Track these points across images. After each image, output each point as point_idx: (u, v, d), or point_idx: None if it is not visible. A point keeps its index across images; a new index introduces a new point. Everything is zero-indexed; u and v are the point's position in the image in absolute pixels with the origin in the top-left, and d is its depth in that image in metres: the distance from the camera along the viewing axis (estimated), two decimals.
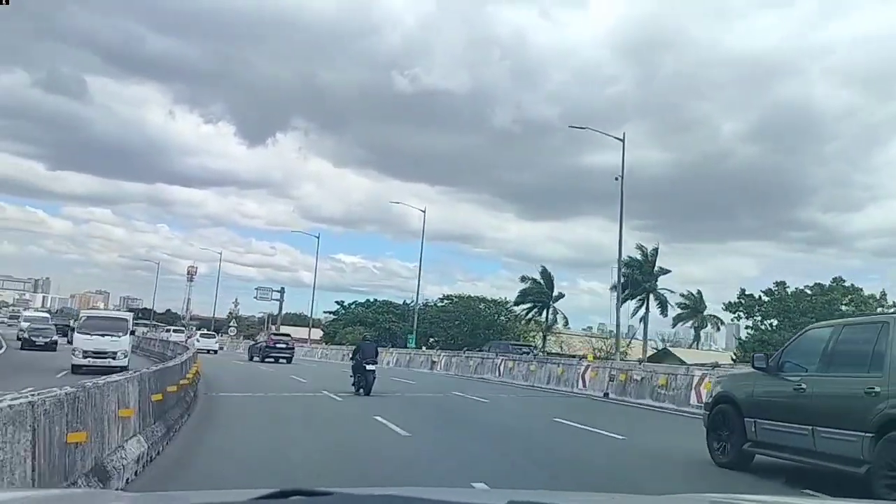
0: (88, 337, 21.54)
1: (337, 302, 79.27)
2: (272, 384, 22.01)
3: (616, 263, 34.67)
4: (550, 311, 64.25)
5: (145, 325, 79.37)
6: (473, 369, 30.25)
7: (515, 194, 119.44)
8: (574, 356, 47.74)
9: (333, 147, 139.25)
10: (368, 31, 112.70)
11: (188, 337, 51.75)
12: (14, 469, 4.07)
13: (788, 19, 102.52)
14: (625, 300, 60.79)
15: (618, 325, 35.38)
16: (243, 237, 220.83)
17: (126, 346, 21.96)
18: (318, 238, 73.32)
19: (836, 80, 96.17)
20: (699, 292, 63.74)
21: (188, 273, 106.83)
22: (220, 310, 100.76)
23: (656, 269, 59.29)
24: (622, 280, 59.18)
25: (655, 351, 58.12)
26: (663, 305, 60.11)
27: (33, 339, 34.16)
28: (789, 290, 45.31)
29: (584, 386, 21.89)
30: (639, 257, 57.77)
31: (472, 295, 69.89)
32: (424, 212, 52.23)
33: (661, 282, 59.33)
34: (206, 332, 61.97)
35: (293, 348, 40.30)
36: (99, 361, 20.48)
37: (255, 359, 39.29)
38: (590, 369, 22.11)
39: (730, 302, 47.62)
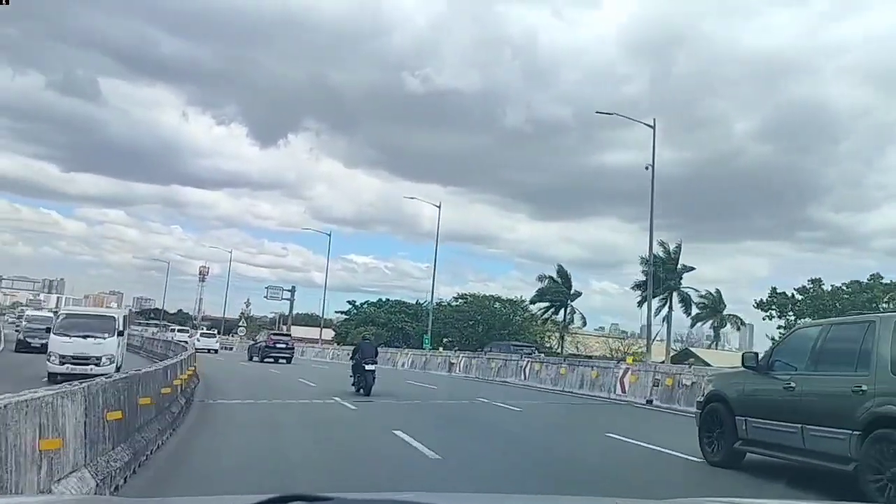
0: (67, 339, 18.06)
1: (349, 302, 77.61)
2: (277, 389, 20.05)
3: (641, 259, 32.60)
4: (568, 310, 62.24)
5: (156, 326, 79.22)
6: (496, 372, 28.07)
7: (527, 194, 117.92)
8: (590, 357, 45.98)
9: (345, 148, 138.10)
10: (379, 32, 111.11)
11: (189, 336, 50.49)
12: None
13: (802, 17, 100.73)
14: (646, 299, 58.96)
15: (649, 325, 33.09)
16: (256, 238, 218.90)
17: (112, 350, 18.38)
18: (330, 235, 71.22)
19: (850, 78, 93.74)
20: (718, 291, 61.62)
21: (200, 273, 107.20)
22: (233, 310, 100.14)
23: (679, 266, 57.10)
24: (644, 279, 57.50)
25: (675, 352, 56.04)
26: (687, 304, 58.03)
27: (28, 340, 31.88)
28: (825, 289, 42.88)
29: (624, 391, 19.71)
30: (660, 254, 55.43)
31: (487, 294, 68.20)
32: (440, 207, 50.27)
33: (685, 280, 57.27)
34: (205, 331, 61.07)
35: (293, 348, 40.46)
36: (79, 368, 16.89)
37: (255, 359, 39.10)
38: (630, 373, 19.90)
39: (761, 300, 45.37)
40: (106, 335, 18.38)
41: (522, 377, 25.81)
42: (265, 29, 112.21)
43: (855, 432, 6.96)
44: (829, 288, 42.70)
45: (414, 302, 71.68)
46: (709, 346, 65.66)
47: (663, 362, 31.36)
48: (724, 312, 61.75)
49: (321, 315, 73.08)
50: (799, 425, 7.70)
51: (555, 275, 62.24)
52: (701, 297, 60.22)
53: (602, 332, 79.31)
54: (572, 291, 62.57)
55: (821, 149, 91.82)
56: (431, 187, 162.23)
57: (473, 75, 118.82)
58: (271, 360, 37.77)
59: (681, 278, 56.32)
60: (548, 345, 62.30)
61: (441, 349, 42.61)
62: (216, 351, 49.62)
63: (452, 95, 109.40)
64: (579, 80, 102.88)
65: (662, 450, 10.23)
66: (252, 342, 48.31)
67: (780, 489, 7.69)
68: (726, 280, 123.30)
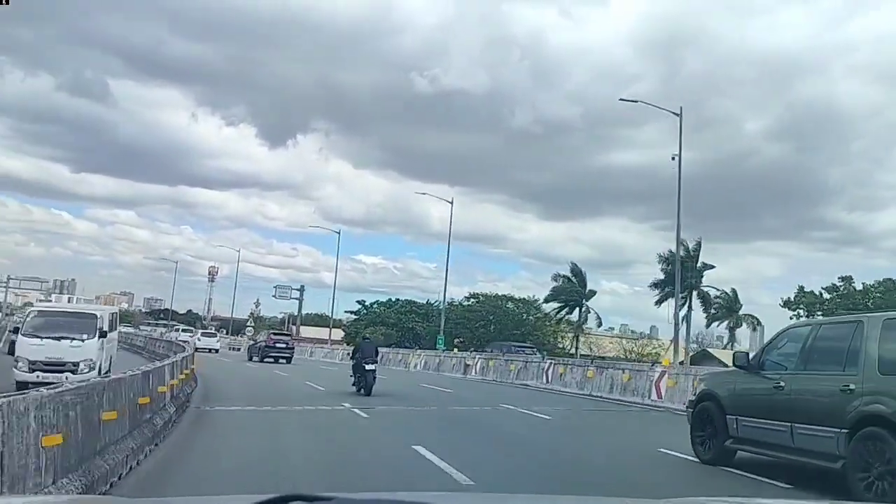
0: (38, 341, 15.39)
1: (358, 301, 75.98)
2: (282, 393, 18.60)
3: (659, 258, 30.89)
4: (583, 309, 60.56)
5: (164, 326, 78.86)
6: (515, 374, 26.40)
7: (536, 195, 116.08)
8: (604, 357, 44.33)
9: (353, 148, 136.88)
10: (388, 33, 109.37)
11: (191, 336, 49.54)
12: None
13: (812, 16, 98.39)
14: (664, 298, 57.20)
15: (676, 325, 31.38)
16: (265, 238, 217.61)
17: (93, 354, 15.61)
18: (339, 233, 69.64)
19: (860, 77, 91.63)
20: (734, 291, 59.81)
21: (209, 273, 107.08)
22: (243, 311, 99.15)
23: (699, 264, 55.31)
24: (663, 277, 55.75)
25: (692, 353, 54.38)
26: (707, 303, 56.31)
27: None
28: (856, 287, 41.04)
29: (660, 396, 18.02)
30: (680, 252, 53.63)
31: (499, 294, 66.66)
32: (452, 202, 48.83)
33: (705, 279, 55.46)
34: (206, 330, 60.24)
35: (293, 348, 40.12)
36: (53, 376, 13.44)
37: (255, 359, 38.62)
38: (666, 376, 18.21)
39: (788, 299, 43.55)
40: (85, 336, 15.66)
41: (545, 380, 24.15)
42: (274, 30, 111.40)
43: (843, 431, 7.01)
44: (861, 287, 40.79)
45: (424, 302, 70.22)
46: (724, 347, 64.10)
47: (682, 363, 29.73)
48: (741, 312, 60.25)
49: (330, 315, 71.73)
50: (788, 424, 7.74)
51: (569, 274, 60.70)
52: (717, 296, 58.70)
53: (612, 332, 77.66)
54: (587, 291, 60.92)
55: (831, 148, 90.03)
56: (440, 187, 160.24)
57: (481, 75, 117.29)
58: (271, 359, 37.13)
59: (701, 276, 54.58)
60: (560, 345, 60.76)
61: (455, 350, 41.02)
62: (217, 351, 49.18)
63: (461, 96, 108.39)
64: (587, 79, 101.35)
65: (732, 471, 8.60)
66: (252, 342, 47.56)
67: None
68: (737, 280, 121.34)
